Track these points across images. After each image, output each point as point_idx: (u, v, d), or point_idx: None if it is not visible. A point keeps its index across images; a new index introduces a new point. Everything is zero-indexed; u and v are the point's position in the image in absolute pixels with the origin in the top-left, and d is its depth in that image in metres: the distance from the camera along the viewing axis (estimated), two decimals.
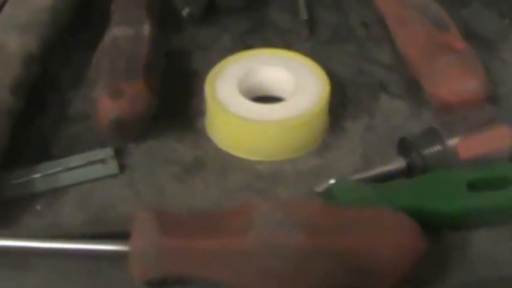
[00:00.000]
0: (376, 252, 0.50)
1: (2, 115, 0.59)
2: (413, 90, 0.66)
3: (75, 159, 0.60)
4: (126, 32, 0.64)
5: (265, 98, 0.65)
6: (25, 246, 0.53)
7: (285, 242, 0.49)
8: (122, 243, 0.51)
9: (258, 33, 0.74)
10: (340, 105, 0.65)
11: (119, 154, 0.61)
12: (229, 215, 0.51)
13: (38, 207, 0.57)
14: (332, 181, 0.57)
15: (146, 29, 0.64)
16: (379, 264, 0.50)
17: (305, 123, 0.60)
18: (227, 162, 0.61)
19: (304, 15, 0.74)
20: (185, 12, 0.72)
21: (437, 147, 0.58)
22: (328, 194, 0.57)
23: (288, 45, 0.69)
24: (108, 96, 0.59)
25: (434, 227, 0.54)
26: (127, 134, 0.60)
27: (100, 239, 0.52)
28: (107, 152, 0.60)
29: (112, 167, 0.60)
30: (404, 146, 0.59)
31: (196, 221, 0.52)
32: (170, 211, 0.54)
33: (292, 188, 0.59)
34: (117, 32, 0.64)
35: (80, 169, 0.59)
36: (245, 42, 0.72)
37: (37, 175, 0.59)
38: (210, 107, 0.62)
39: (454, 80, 0.62)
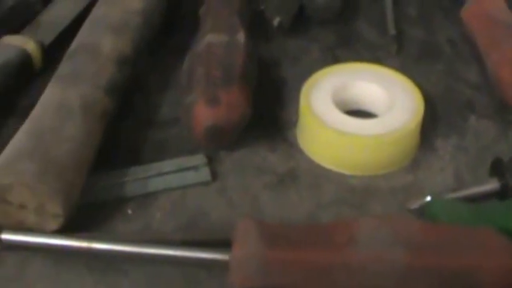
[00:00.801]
0: (479, 273, 0.49)
1: (97, 116, 0.58)
2: (502, 110, 0.66)
3: (167, 165, 0.59)
4: (221, 39, 0.63)
5: (354, 112, 0.64)
6: (119, 250, 0.52)
7: (389, 259, 0.49)
8: (222, 251, 0.50)
9: (347, 47, 0.74)
10: (430, 122, 0.64)
11: (210, 161, 0.60)
12: (333, 229, 0.51)
13: (129, 211, 0.57)
14: (428, 198, 0.57)
15: (241, 36, 0.64)
16: (480, 285, 0.49)
17: (400, 139, 0.60)
18: (320, 175, 0.60)
19: (392, 30, 0.73)
20: (276, 21, 0.71)
21: None
22: (423, 211, 0.56)
23: (376, 60, 0.69)
24: (205, 103, 0.58)
25: None
26: (221, 141, 0.60)
27: (198, 247, 0.52)
28: (200, 158, 0.60)
29: (204, 174, 0.59)
30: (498, 168, 0.58)
31: (298, 232, 0.51)
32: (272, 222, 0.53)
33: (384, 203, 0.58)
34: (211, 38, 0.63)
35: (172, 175, 0.59)
36: (333, 55, 0.72)
37: (129, 179, 0.58)
38: (305, 119, 0.61)
39: None
